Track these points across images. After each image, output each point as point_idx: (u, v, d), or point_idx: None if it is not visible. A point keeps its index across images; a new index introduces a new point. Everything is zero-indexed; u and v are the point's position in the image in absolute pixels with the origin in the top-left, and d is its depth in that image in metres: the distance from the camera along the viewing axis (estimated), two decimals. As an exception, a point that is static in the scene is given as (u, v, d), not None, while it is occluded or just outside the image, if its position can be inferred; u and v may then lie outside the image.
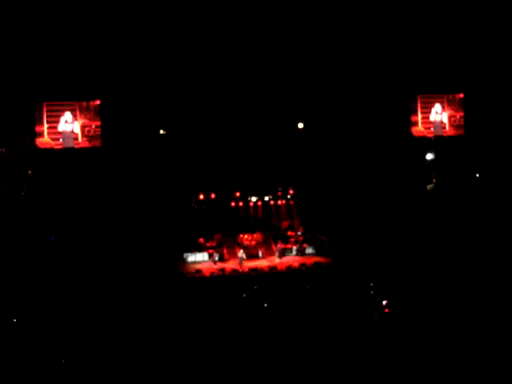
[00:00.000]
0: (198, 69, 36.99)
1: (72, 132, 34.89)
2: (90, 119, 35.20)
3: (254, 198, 37.04)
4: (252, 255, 34.51)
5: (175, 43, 36.53)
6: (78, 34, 35.05)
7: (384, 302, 23.14)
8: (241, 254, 33.38)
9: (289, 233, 36.48)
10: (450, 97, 39.29)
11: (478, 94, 39.17)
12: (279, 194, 37.37)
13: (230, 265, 33.29)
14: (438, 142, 39.34)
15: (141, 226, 33.57)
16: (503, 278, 24.99)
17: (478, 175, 39.39)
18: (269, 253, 35.19)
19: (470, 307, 21.57)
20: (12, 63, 34.61)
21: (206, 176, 37.19)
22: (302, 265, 32.21)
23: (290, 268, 31.88)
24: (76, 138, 34.97)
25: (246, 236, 35.77)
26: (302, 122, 38.78)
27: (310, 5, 36.16)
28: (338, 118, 38.30)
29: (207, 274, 31.23)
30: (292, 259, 34.07)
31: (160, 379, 16.95)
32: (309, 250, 35.36)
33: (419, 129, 38.85)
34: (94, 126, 35.17)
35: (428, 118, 38.99)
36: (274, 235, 36.26)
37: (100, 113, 35.21)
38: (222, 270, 32.08)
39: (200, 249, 35.07)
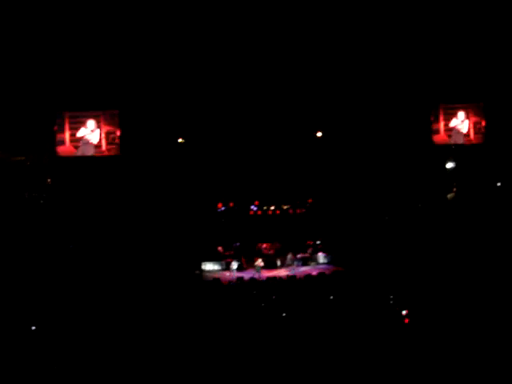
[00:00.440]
0: (217, 78, 37.03)
1: (90, 140, 35.13)
2: (114, 127, 35.35)
3: (272, 207, 36.96)
4: (270, 264, 34.39)
5: (194, 52, 36.61)
6: (99, 43, 35.28)
7: (404, 312, 22.86)
8: (259, 262, 33.26)
9: (308, 242, 36.29)
10: (475, 105, 38.96)
11: (500, 102, 38.79)
12: (298, 202, 37.24)
13: (249, 274, 33.19)
14: (458, 151, 38.99)
15: (159, 235, 33.61)
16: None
17: (499, 184, 38.95)
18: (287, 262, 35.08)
19: (491, 318, 21.22)
20: (33, 71, 34.88)
21: (225, 185, 37.19)
22: (321, 274, 32.03)
23: (308, 277, 31.70)
24: (99, 146, 35.09)
25: (264, 245, 35.67)
26: (320, 130, 38.64)
27: (331, 12, 36.06)
28: (358, 126, 38.10)
29: (225, 283, 31.14)
30: (307, 269, 33.89)
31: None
32: (323, 260, 35.14)
33: (441, 136, 38.54)
34: (118, 134, 35.36)
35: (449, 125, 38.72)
36: (292, 245, 36.10)
37: (119, 122, 35.38)
38: (240, 278, 31.96)
39: (218, 258, 35.00)
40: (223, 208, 37.01)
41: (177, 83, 36.86)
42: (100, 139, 35.07)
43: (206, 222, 36.17)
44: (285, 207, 37.15)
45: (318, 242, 36.03)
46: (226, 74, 37.19)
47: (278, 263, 34.72)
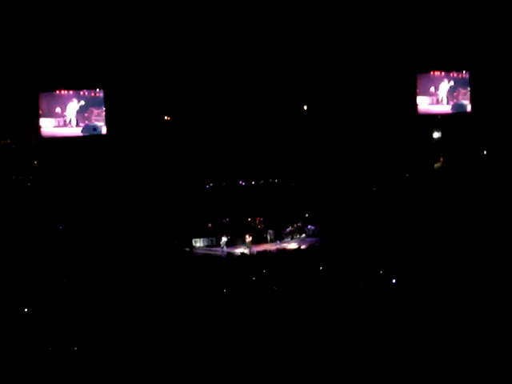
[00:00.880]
0: (203, 54, 36.85)
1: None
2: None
3: (261, 182, 37.01)
4: (260, 239, 34.44)
5: (177, 30, 36.37)
6: (80, 24, 34.97)
7: (393, 281, 23.07)
8: (248, 238, 33.34)
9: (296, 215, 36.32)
10: (460, 73, 39.05)
11: (484, 72, 38.84)
12: (285, 176, 37.29)
13: (239, 249, 33.26)
14: (444, 120, 39.12)
15: (148, 213, 33.58)
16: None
17: (485, 152, 39.16)
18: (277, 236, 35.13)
19: (472, 284, 21.48)
20: (14, 54, 34.56)
21: (212, 161, 37.12)
22: (310, 246, 32.17)
23: (298, 250, 31.85)
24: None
25: (253, 220, 35.70)
26: (306, 104, 38.61)
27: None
28: (344, 99, 38.08)
29: (215, 258, 31.24)
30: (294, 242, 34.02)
31: (165, 360, 16.98)
32: (309, 232, 35.18)
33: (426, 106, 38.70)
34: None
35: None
36: (280, 219, 36.13)
37: (104, 101, 35.22)
38: (231, 253, 32.06)
39: (208, 234, 35.02)
40: (211, 184, 37.00)
41: (161, 61, 36.65)
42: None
43: (195, 199, 36.15)
44: (272, 181, 37.16)
45: (307, 215, 36.07)
46: (211, 49, 37.01)
47: (268, 238, 34.76)
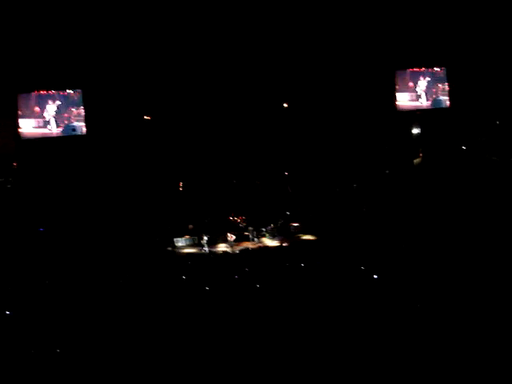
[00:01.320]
0: (182, 51, 36.76)
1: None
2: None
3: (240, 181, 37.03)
4: (242, 237, 34.46)
5: (156, 28, 36.27)
6: (57, 24, 34.76)
7: (375, 276, 23.21)
8: (230, 237, 33.38)
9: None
10: (438, 69, 39.38)
11: (463, 67, 39.16)
12: (266, 174, 37.36)
13: (221, 248, 33.29)
14: (423, 116, 39.42)
15: (129, 214, 33.51)
16: (494, 253, 25.00)
17: (464, 147, 39.46)
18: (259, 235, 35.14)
19: (459, 276, 21.67)
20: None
21: (194, 160, 37.10)
22: (293, 243, 32.27)
23: (280, 247, 31.94)
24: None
25: (235, 218, 35.70)
26: (286, 101, 38.69)
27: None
28: (323, 95, 38.21)
29: (197, 257, 31.25)
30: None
31: (149, 359, 16.98)
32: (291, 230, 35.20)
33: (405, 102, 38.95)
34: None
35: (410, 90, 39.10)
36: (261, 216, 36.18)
37: (83, 101, 35.10)
38: (213, 252, 32.09)
39: (190, 233, 35.00)
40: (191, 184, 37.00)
41: (141, 60, 36.53)
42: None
43: (176, 199, 36.13)
44: (253, 179, 37.22)
45: (288, 213, 36.14)
46: (191, 48, 36.94)
47: (250, 236, 34.76)
